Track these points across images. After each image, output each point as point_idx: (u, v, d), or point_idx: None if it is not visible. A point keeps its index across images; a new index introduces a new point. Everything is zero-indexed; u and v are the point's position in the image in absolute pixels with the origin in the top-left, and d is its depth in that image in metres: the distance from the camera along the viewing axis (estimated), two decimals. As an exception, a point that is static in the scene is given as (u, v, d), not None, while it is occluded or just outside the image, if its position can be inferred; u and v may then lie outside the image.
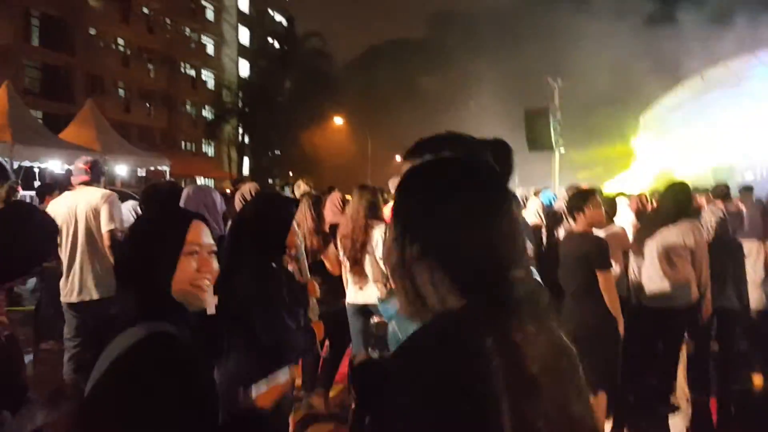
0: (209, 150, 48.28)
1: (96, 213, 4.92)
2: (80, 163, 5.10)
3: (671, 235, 4.94)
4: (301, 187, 8.14)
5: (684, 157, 21.90)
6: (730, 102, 21.45)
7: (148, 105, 40.60)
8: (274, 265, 2.62)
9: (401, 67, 61.55)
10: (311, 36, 46.89)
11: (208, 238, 1.73)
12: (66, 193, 5.42)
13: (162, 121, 41.61)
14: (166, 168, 21.36)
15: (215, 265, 1.75)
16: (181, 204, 2.82)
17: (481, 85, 39.30)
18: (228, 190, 14.37)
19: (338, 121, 45.83)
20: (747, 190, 9.27)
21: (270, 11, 57.06)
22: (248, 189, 5.26)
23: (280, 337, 2.40)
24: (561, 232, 6.91)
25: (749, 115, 20.81)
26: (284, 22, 52.58)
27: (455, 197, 1.08)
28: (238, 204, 5.26)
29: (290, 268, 3.37)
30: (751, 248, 5.92)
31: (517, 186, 9.27)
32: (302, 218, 5.17)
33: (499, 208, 1.10)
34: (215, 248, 1.77)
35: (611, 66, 29.08)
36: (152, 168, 21.69)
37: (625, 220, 6.91)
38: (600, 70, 28.41)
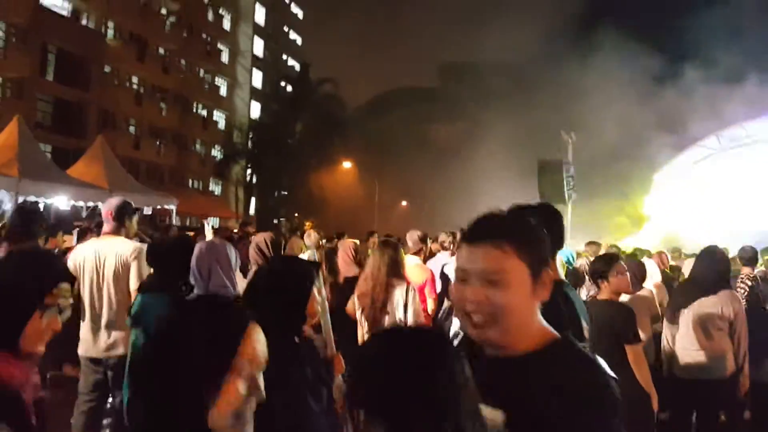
0: (216, 189, 48.36)
1: (126, 267, 4.63)
2: (103, 211, 4.83)
3: (709, 304, 4.70)
4: (311, 237, 7.88)
5: (696, 218, 21.69)
6: (744, 163, 21.35)
7: (158, 143, 40.73)
8: (296, 339, 2.34)
9: (412, 115, 62.02)
10: (324, 81, 47.38)
11: (261, 345, 1.38)
12: (92, 240, 5.13)
13: (171, 159, 41.71)
14: (172, 207, 21.21)
15: (260, 381, 1.42)
16: (193, 262, 2.57)
17: (490, 135, 39.54)
18: (235, 230, 14.21)
19: (347, 164, 45.98)
20: (770, 253, 8.95)
21: (284, 56, 57.93)
22: (263, 239, 4.98)
23: (301, 421, 2.11)
24: (583, 293, 6.62)
25: (763, 177, 20.68)
26: (297, 67, 53.25)
27: (401, 376, 1.17)
28: (252, 255, 4.99)
29: (306, 331, 3.09)
30: (784, 318, 5.65)
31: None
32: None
33: (440, 374, 1.18)
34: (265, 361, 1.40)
35: (622, 123, 29.22)
36: (159, 206, 21.53)
37: (650, 279, 6.60)
38: (611, 127, 28.52)
